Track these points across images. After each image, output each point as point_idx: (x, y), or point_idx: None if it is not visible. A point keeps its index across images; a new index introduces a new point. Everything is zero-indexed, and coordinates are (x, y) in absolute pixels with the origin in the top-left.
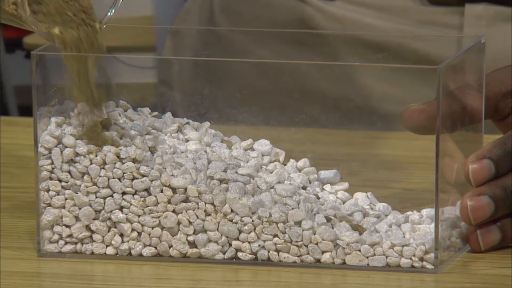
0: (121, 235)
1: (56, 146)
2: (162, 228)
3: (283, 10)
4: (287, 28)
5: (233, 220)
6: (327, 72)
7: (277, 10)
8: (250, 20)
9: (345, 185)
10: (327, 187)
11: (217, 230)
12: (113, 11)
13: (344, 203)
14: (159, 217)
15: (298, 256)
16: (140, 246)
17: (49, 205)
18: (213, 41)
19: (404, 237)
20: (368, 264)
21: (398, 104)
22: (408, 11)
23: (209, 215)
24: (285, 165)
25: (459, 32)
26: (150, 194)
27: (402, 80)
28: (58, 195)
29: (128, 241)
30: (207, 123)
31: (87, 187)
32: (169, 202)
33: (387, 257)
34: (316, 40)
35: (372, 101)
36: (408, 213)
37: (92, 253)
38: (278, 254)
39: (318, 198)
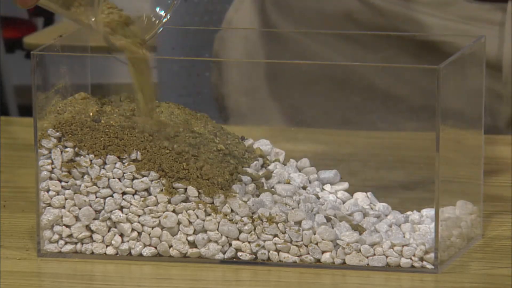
0: (121, 235)
1: (56, 146)
2: (162, 228)
3: (331, 2)
4: (334, 21)
5: (233, 220)
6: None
7: (325, 2)
8: (300, 11)
9: (345, 185)
10: (327, 187)
11: (217, 230)
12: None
13: (344, 203)
14: (159, 217)
15: (298, 256)
16: (140, 246)
17: (49, 205)
18: (265, 35)
19: (404, 237)
20: (368, 264)
21: None
22: (453, 6)
23: (209, 215)
24: (285, 165)
25: (501, 29)
26: (150, 194)
27: None
28: (58, 195)
29: (128, 241)
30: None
31: (87, 187)
32: (169, 202)
33: (387, 257)
34: (362, 36)
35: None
36: (408, 213)
37: (92, 253)
38: (278, 254)
39: (318, 198)
